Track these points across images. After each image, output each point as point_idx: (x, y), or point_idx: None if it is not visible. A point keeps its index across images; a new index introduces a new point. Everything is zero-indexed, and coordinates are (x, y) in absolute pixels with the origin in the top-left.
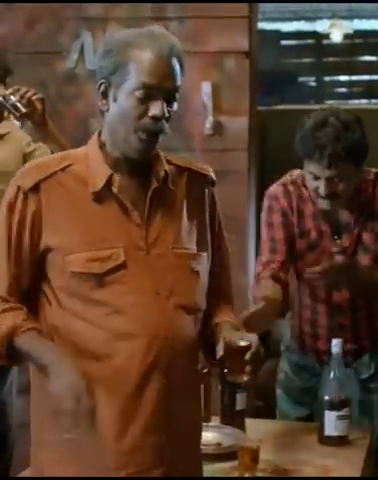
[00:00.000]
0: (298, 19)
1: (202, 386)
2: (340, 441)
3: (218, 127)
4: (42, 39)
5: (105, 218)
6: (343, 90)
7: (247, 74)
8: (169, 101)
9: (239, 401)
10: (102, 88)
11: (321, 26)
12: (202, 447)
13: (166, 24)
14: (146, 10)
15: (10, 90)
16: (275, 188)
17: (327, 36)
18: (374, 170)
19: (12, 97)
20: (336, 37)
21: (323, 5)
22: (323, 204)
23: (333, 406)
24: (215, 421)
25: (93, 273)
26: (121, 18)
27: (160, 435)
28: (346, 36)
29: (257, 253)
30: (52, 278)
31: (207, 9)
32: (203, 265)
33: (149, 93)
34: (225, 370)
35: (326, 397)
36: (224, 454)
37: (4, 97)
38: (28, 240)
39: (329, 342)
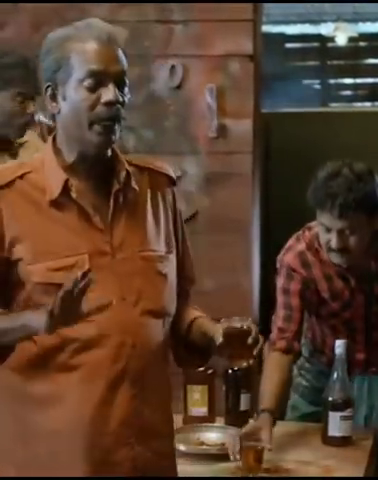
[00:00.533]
0: (303, 22)
1: (170, 392)
2: (343, 441)
3: (223, 130)
4: None
5: (67, 225)
6: (348, 93)
7: (251, 77)
8: (119, 86)
9: (243, 402)
10: (49, 91)
11: (326, 29)
12: (206, 447)
13: (171, 27)
14: (151, 13)
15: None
16: (291, 259)
17: (332, 39)
18: None
19: (40, 115)
20: (341, 40)
21: (328, 8)
22: (335, 258)
23: (336, 407)
24: (219, 422)
25: (57, 283)
26: (126, 21)
27: (132, 447)
28: (351, 39)
29: (261, 256)
30: (14, 292)
31: (212, 12)
32: (171, 267)
33: (98, 80)
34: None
35: (330, 398)
36: (228, 454)
37: (32, 115)
38: None
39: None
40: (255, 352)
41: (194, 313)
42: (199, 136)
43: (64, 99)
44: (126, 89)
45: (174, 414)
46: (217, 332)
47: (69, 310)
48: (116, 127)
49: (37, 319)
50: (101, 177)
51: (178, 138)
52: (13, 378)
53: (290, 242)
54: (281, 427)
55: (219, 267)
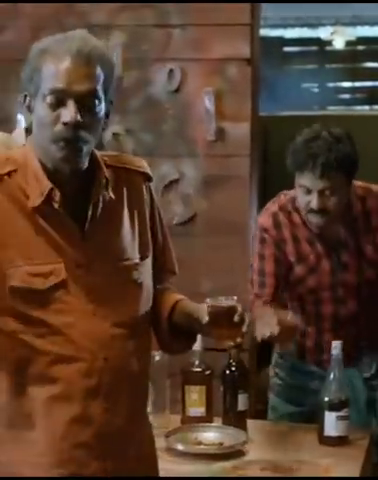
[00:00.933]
0: (301, 26)
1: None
2: (340, 441)
3: (220, 133)
4: None
5: (47, 232)
6: (346, 96)
7: (249, 81)
8: (85, 106)
9: (241, 402)
10: (26, 102)
11: (324, 33)
12: (204, 447)
13: (169, 31)
14: (149, 18)
15: None
16: (265, 219)
17: (330, 43)
18: (361, 184)
19: None
20: (338, 44)
21: (326, 12)
22: (314, 219)
23: (333, 407)
24: (217, 422)
25: (35, 289)
26: (124, 25)
27: (105, 460)
28: (349, 43)
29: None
30: None
31: (210, 17)
32: (146, 272)
33: (59, 98)
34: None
35: (326, 398)
36: (226, 454)
37: None
38: None
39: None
40: (244, 329)
41: (176, 297)
42: (197, 139)
43: (32, 111)
44: (99, 108)
45: (172, 415)
46: (202, 311)
47: None
48: (80, 145)
49: None
50: (83, 185)
51: (176, 141)
52: None
53: (267, 205)
54: (279, 427)
55: (217, 269)
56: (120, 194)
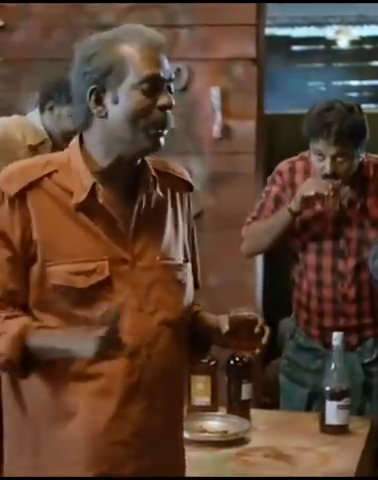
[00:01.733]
0: (308, 25)
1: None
2: (340, 430)
3: (227, 131)
4: (58, 46)
5: (90, 230)
6: (353, 95)
7: (254, 80)
8: (170, 91)
9: (245, 391)
10: (94, 95)
11: (330, 32)
12: (209, 435)
13: (177, 31)
14: (157, 18)
15: None
16: (283, 165)
17: (336, 42)
18: (375, 156)
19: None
20: (342, 43)
21: (332, 11)
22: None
23: (334, 396)
24: (222, 411)
25: (76, 287)
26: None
27: (142, 459)
28: (355, 41)
29: (264, 254)
30: (31, 293)
31: (216, 17)
32: (189, 275)
33: (154, 84)
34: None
35: (327, 388)
36: (230, 441)
37: None
38: (19, 248)
39: (334, 319)
40: (264, 341)
41: (196, 307)
42: (204, 137)
43: (115, 102)
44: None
45: None
46: (223, 321)
47: (113, 340)
48: (166, 132)
49: (82, 346)
50: (129, 183)
51: (184, 139)
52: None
53: None
54: (281, 416)
55: (223, 264)
56: (165, 197)
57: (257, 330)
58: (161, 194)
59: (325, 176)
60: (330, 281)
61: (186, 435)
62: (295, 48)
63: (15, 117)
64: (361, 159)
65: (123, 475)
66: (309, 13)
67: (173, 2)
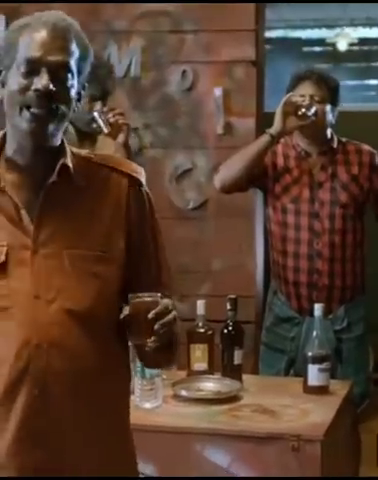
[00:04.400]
0: (319, 27)
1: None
2: (321, 390)
3: (228, 127)
4: None
5: None
6: (359, 94)
7: (254, 80)
8: (58, 77)
9: (237, 357)
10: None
11: (337, 34)
12: (204, 393)
13: (182, 36)
14: (165, 24)
15: (103, 108)
16: None
17: (342, 43)
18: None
19: (98, 116)
20: (342, 45)
21: (341, 14)
22: (302, 122)
23: (315, 360)
24: (218, 375)
25: None
26: (143, 31)
27: (23, 456)
28: (362, 42)
29: (264, 239)
30: None
31: (218, 23)
32: (108, 268)
33: (33, 67)
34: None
35: (309, 353)
36: (222, 399)
37: (95, 113)
38: None
39: (308, 275)
40: (156, 327)
41: None
42: (208, 133)
43: (3, 85)
44: (70, 83)
45: (179, 371)
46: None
47: None
48: (51, 118)
49: None
50: (40, 169)
51: (189, 135)
52: None
53: None
54: (269, 380)
55: (226, 249)
56: (94, 188)
57: (151, 315)
58: (81, 183)
59: (300, 106)
60: (307, 239)
61: (184, 393)
62: (306, 49)
63: None
64: (332, 121)
65: (14, 467)
66: (320, 15)
67: (174, 2)
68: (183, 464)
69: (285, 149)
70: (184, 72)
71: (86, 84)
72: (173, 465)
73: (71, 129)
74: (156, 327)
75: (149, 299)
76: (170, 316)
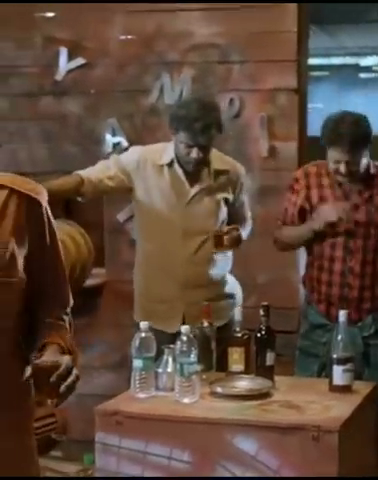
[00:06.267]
0: (377, 54)
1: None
2: (344, 389)
3: (272, 151)
4: (130, 80)
5: None
6: None
7: (296, 107)
8: None
9: (269, 358)
10: None
11: None
12: (237, 390)
13: (230, 67)
14: (214, 55)
15: None
16: (298, 172)
17: None
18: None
19: None
20: None
21: None
22: (341, 179)
23: (339, 362)
24: (252, 374)
25: None
26: (193, 62)
27: None
28: None
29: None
30: None
31: (263, 54)
32: (11, 290)
33: None
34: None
35: (334, 355)
36: (254, 395)
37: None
38: None
39: (340, 289)
40: (61, 389)
41: (47, 339)
42: (253, 156)
43: None
44: None
45: (218, 372)
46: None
47: None
48: None
49: None
50: None
51: (236, 158)
52: None
53: None
54: (298, 380)
55: (271, 264)
56: None
57: (53, 378)
58: None
59: (339, 174)
60: (341, 256)
61: (219, 390)
62: (362, 75)
63: None
64: (367, 160)
65: None
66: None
67: (177, 2)
68: (215, 452)
69: (319, 179)
70: (231, 100)
71: None
72: (206, 452)
73: None
74: (61, 390)
75: (49, 363)
76: (72, 377)
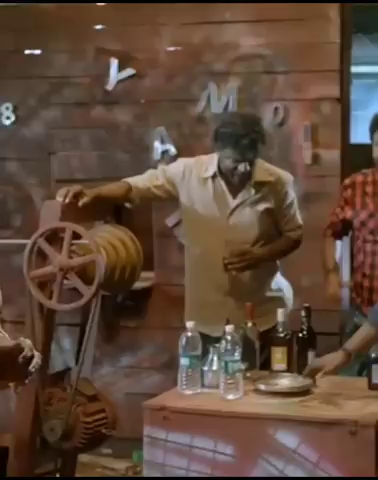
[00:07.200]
0: None
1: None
2: None
3: (316, 158)
4: (178, 89)
5: None
6: None
7: (339, 115)
8: None
9: (310, 357)
10: None
11: None
12: (279, 387)
13: (275, 77)
14: (259, 66)
15: None
16: (347, 180)
17: None
18: None
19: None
20: None
21: None
22: None
23: (377, 361)
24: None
25: None
26: (239, 72)
27: None
28: None
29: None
30: None
31: (307, 64)
32: None
33: None
34: None
35: (373, 355)
36: (295, 392)
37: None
38: None
39: None
40: (31, 368)
41: None
42: (298, 163)
43: None
44: None
45: (262, 370)
46: None
47: None
48: None
49: None
50: None
51: (281, 165)
52: None
53: None
54: (338, 379)
55: (315, 268)
56: None
57: (20, 359)
58: None
59: None
60: None
61: (262, 387)
62: None
63: None
64: None
65: None
66: None
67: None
68: (257, 445)
69: (364, 187)
70: (276, 109)
71: None
72: (249, 446)
73: None
74: (31, 369)
75: (10, 347)
76: (36, 358)
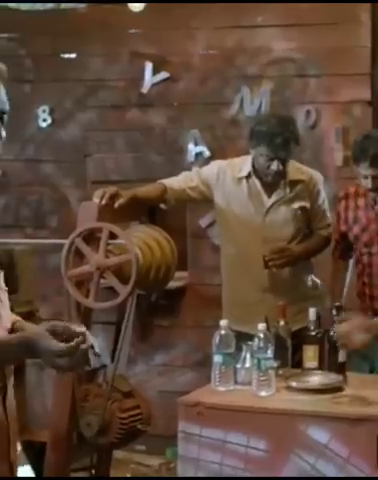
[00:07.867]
0: None
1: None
2: None
3: (347, 160)
4: (211, 93)
5: None
6: None
7: (370, 118)
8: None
9: (341, 355)
10: None
11: None
12: (310, 384)
13: (307, 80)
14: (291, 70)
15: None
16: (342, 192)
17: None
18: None
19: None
20: None
21: None
22: (372, 196)
23: None
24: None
25: None
26: (272, 76)
27: None
28: None
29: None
30: None
31: (338, 68)
32: None
33: None
34: None
35: None
36: (326, 389)
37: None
38: None
39: None
40: (92, 356)
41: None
42: (329, 165)
43: None
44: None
45: (293, 368)
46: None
47: None
48: None
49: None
50: None
51: (313, 166)
52: None
53: None
54: (369, 377)
55: None
56: None
57: (86, 347)
58: None
59: (369, 190)
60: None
61: (294, 384)
62: None
63: None
64: None
65: None
66: None
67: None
68: (289, 441)
69: (356, 200)
70: (308, 112)
71: None
72: (281, 441)
73: None
74: (93, 357)
75: (79, 330)
76: (97, 348)
